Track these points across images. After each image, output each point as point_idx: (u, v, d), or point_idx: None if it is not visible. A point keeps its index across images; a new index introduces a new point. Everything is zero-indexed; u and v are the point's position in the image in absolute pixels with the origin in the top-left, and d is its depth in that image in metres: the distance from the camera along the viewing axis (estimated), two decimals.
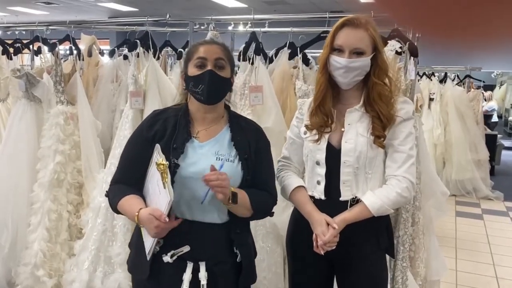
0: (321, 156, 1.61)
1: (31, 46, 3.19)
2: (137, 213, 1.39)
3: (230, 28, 3.05)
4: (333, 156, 1.59)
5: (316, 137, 1.61)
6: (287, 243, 1.80)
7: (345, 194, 1.59)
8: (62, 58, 2.86)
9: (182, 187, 1.43)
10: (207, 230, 1.48)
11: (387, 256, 1.76)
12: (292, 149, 1.74)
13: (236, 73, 2.62)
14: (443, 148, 5.98)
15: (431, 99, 6.05)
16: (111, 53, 2.97)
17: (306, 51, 2.56)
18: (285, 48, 2.56)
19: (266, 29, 2.82)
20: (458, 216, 5.10)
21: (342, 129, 1.60)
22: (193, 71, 1.49)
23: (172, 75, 3.00)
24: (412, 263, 2.12)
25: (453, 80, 6.52)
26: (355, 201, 1.58)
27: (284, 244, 1.88)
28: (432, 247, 2.25)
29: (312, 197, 1.64)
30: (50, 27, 3.15)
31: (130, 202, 1.45)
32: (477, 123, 6.26)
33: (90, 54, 2.93)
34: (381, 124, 1.56)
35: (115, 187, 1.54)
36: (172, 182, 1.39)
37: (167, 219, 1.33)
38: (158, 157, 1.40)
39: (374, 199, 1.55)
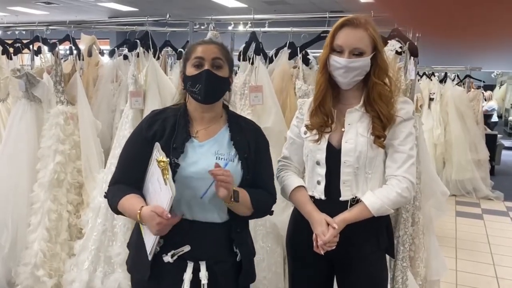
0: (321, 156, 1.61)
1: (31, 46, 3.19)
2: (139, 211, 1.39)
3: (230, 28, 3.05)
4: (333, 156, 1.59)
5: (316, 137, 1.61)
6: (287, 243, 1.80)
7: (345, 194, 1.59)
8: (62, 58, 2.86)
9: (182, 186, 1.43)
10: (207, 229, 1.48)
11: (387, 256, 1.77)
12: (292, 149, 1.74)
13: (236, 73, 2.62)
14: (443, 148, 5.98)
15: (431, 99, 6.05)
16: (111, 53, 2.97)
17: (308, 51, 2.57)
18: (285, 48, 2.56)
19: (266, 29, 2.82)
20: (458, 216, 5.10)
21: (342, 129, 1.60)
22: (190, 70, 1.49)
23: (172, 75, 3.00)
24: (412, 263, 2.12)
25: (453, 80, 6.52)
26: (355, 201, 1.58)
27: (284, 244, 1.88)
28: (432, 247, 2.26)
29: (312, 197, 1.64)
30: (50, 27, 3.15)
31: (130, 201, 1.45)
32: (477, 123, 6.26)
33: (90, 54, 2.92)
34: (381, 124, 1.56)
35: (114, 187, 1.54)
36: (173, 181, 1.39)
37: (169, 216, 1.33)
38: (158, 154, 1.40)
39: (374, 199, 1.55)
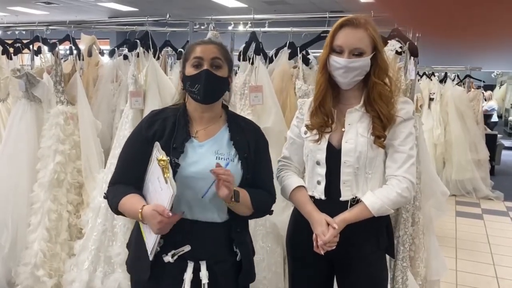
0: (322, 156, 1.61)
1: (31, 46, 3.19)
2: (140, 210, 1.39)
3: (230, 28, 3.05)
4: (333, 156, 1.59)
5: (317, 137, 1.61)
6: (287, 243, 1.80)
7: (345, 194, 1.59)
8: (62, 58, 2.86)
9: (183, 186, 1.43)
10: (207, 229, 1.49)
11: (387, 256, 1.77)
12: (293, 149, 1.74)
13: (236, 73, 2.62)
14: (443, 148, 5.98)
15: (431, 99, 6.05)
16: (111, 53, 2.97)
17: (310, 51, 2.56)
18: (285, 48, 2.56)
19: (266, 29, 2.82)
20: (458, 216, 5.10)
21: (343, 129, 1.60)
22: (190, 70, 1.50)
23: (172, 75, 3.00)
24: (412, 263, 2.12)
25: (453, 80, 6.52)
26: (355, 201, 1.59)
27: (284, 244, 1.88)
28: (432, 247, 2.26)
29: (312, 197, 1.64)
30: (50, 27, 3.15)
31: (131, 200, 1.46)
32: (477, 123, 6.26)
33: (90, 54, 2.92)
34: (381, 124, 1.56)
35: (114, 188, 1.54)
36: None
37: (170, 214, 1.34)
38: (158, 154, 1.41)
39: (374, 199, 1.55)
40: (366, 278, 1.64)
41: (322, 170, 1.61)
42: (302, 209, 1.65)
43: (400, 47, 2.06)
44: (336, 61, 1.55)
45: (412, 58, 2.14)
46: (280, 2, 9.02)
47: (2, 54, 3.34)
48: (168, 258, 1.45)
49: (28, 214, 2.63)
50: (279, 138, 2.28)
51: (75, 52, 2.87)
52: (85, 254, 2.43)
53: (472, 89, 6.81)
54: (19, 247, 2.63)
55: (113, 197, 1.50)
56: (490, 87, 10.79)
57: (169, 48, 3.45)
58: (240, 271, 1.54)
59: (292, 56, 2.51)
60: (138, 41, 2.64)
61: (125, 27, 3.55)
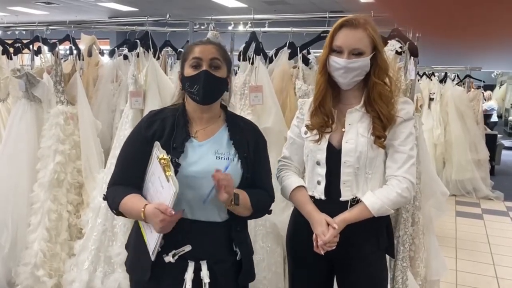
0: (322, 156, 1.61)
1: (31, 46, 3.19)
2: (142, 209, 1.39)
3: (230, 28, 3.05)
4: (333, 156, 1.59)
5: (317, 137, 1.61)
6: (287, 243, 1.80)
7: (345, 194, 1.59)
8: (62, 58, 2.86)
9: (183, 186, 1.43)
10: (208, 228, 1.49)
11: (387, 256, 1.76)
12: (293, 149, 1.74)
13: (236, 73, 2.62)
14: (443, 148, 5.98)
15: (431, 99, 6.05)
16: (111, 53, 2.97)
17: (311, 50, 2.56)
18: (285, 48, 2.56)
19: (266, 29, 2.82)
20: (458, 216, 5.10)
21: (343, 129, 1.60)
22: (188, 71, 1.50)
23: (172, 75, 3.00)
24: (412, 263, 2.12)
25: (453, 80, 6.52)
26: (355, 201, 1.59)
27: (284, 244, 1.88)
28: (432, 247, 2.26)
29: (312, 197, 1.64)
30: (50, 27, 3.15)
31: (132, 200, 1.46)
32: (477, 123, 6.26)
33: (90, 54, 2.93)
34: (382, 124, 1.56)
35: (113, 188, 1.53)
36: None
37: (172, 212, 1.34)
38: (158, 153, 1.41)
39: (374, 199, 1.55)
40: (366, 278, 1.64)
41: (322, 170, 1.61)
42: (302, 209, 1.65)
43: (400, 47, 2.06)
44: (336, 61, 1.55)
45: (412, 58, 2.14)
46: (280, 2, 9.02)
47: (2, 54, 3.34)
48: (169, 258, 1.45)
49: (28, 214, 2.63)
50: (279, 138, 2.28)
51: (75, 52, 2.87)
52: (85, 254, 2.43)
53: (472, 89, 6.80)
54: (19, 247, 2.63)
55: (113, 198, 1.50)
56: (490, 87, 10.79)
57: (169, 48, 3.45)
58: (239, 270, 1.54)
59: (292, 56, 2.51)
60: (138, 41, 2.64)
61: (125, 27, 3.55)
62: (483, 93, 7.37)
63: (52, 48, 2.88)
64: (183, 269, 1.46)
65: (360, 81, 1.60)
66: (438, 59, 6.32)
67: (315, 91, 1.66)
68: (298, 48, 2.49)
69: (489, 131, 7.14)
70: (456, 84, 6.49)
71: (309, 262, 1.68)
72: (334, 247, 1.55)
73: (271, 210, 1.63)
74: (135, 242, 1.56)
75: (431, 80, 6.32)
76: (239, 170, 1.50)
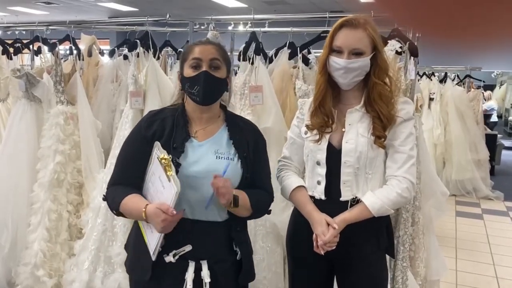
0: (322, 156, 1.61)
1: (31, 46, 3.19)
2: (144, 209, 1.39)
3: (230, 28, 3.04)
4: (333, 156, 1.59)
5: (317, 137, 1.61)
6: (287, 243, 1.80)
7: (346, 194, 1.59)
8: (62, 58, 2.86)
9: (184, 186, 1.43)
10: (208, 228, 1.49)
11: (387, 256, 1.76)
12: (293, 149, 1.74)
13: (236, 73, 2.62)
14: (443, 148, 5.98)
15: (431, 99, 6.05)
16: (111, 53, 2.97)
17: (312, 50, 2.56)
18: (285, 48, 2.56)
19: (266, 29, 2.82)
20: (458, 216, 5.10)
21: (343, 129, 1.60)
22: (188, 72, 1.49)
23: (172, 75, 3.00)
24: (412, 263, 2.12)
25: (453, 80, 6.52)
26: (356, 201, 1.59)
27: (284, 244, 1.88)
28: (432, 247, 2.26)
29: (312, 197, 1.64)
30: (50, 27, 3.15)
31: (133, 200, 1.46)
32: (477, 123, 6.26)
33: (90, 54, 2.93)
34: (382, 125, 1.56)
35: (113, 189, 1.53)
36: None
37: (174, 212, 1.34)
38: (159, 153, 1.41)
39: (374, 199, 1.55)
40: (366, 278, 1.64)
41: (322, 170, 1.61)
42: (302, 209, 1.65)
43: (400, 47, 2.06)
44: (336, 61, 1.55)
45: (412, 58, 2.14)
46: (280, 2, 9.02)
47: (2, 54, 3.34)
48: (169, 258, 1.45)
49: (28, 214, 2.63)
50: (279, 138, 2.28)
51: (75, 52, 2.88)
52: (85, 254, 2.43)
53: (472, 89, 6.80)
54: (19, 247, 2.63)
55: (113, 198, 1.50)
56: (490, 87, 10.79)
57: (169, 48, 3.45)
58: (239, 270, 1.54)
59: (292, 56, 2.51)
60: (138, 41, 2.64)
61: (125, 27, 3.55)
62: (483, 93, 7.37)
63: (52, 48, 2.88)
64: (183, 269, 1.46)
65: (360, 81, 1.60)
66: (438, 59, 6.31)
67: (315, 91, 1.66)
68: (298, 48, 2.49)
69: (489, 131, 7.14)
70: (456, 84, 6.49)
71: (309, 262, 1.68)
72: (334, 247, 1.55)
73: (271, 210, 1.64)
74: (135, 242, 1.56)
75: (431, 80, 6.32)
76: (239, 170, 1.51)
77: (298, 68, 2.46)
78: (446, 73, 6.54)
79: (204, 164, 1.46)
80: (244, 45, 2.52)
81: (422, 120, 2.67)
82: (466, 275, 3.58)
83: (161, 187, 1.40)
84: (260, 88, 2.33)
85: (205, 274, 1.46)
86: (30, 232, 2.58)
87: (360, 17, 1.56)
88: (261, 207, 1.57)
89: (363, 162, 1.57)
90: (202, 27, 2.91)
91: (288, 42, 2.57)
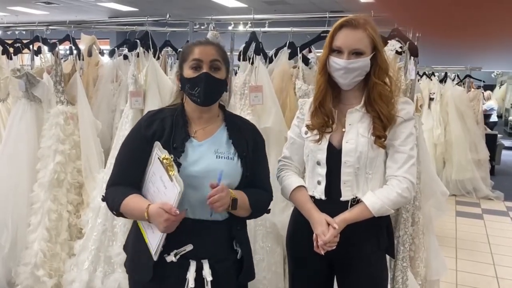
0: (322, 156, 1.61)
1: (31, 46, 3.19)
2: (146, 209, 1.39)
3: (230, 28, 3.05)
4: (333, 156, 1.59)
5: (317, 137, 1.61)
6: (287, 243, 1.80)
7: (346, 194, 1.59)
8: (62, 58, 2.86)
9: (184, 186, 1.43)
10: (209, 228, 1.49)
11: (387, 256, 1.76)
12: (293, 148, 1.74)
13: (236, 73, 2.62)
14: (443, 148, 5.98)
15: (431, 99, 6.05)
16: (111, 53, 2.97)
17: (314, 50, 2.56)
18: (285, 48, 2.56)
19: (266, 29, 2.82)
20: (458, 216, 5.10)
21: (343, 129, 1.60)
22: (188, 73, 1.49)
23: (172, 75, 3.00)
24: (412, 263, 2.12)
25: (453, 80, 6.52)
26: (356, 201, 1.59)
27: (284, 244, 1.88)
28: (432, 247, 2.26)
29: (312, 197, 1.64)
30: (50, 27, 3.15)
31: (134, 200, 1.46)
32: (477, 123, 6.26)
33: (90, 54, 2.93)
34: (382, 125, 1.56)
35: (112, 189, 1.53)
36: None
37: (177, 212, 1.34)
38: (159, 153, 1.41)
39: (375, 199, 1.55)
40: (366, 278, 1.64)
41: (322, 170, 1.61)
42: (302, 209, 1.65)
43: (400, 47, 2.06)
44: (336, 62, 1.55)
45: (412, 58, 2.14)
46: (280, 2, 9.02)
47: (2, 54, 3.34)
48: (171, 258, 1.45)
49: (28, 214, 2.63)
50: (279, 138, 2.28)
51: (75, 52, 2.88)
52: (85, 254, 2.43)
53: (472, 89, 6.80)
54: (19, 247, 2.63)
55: (113, 199, 1.49)
56: (490, 87, 10.79)
57: (169, 48, 3.45)
58: (240, 269, 1.54)
59: (292, 56, 2.51)
60: (138, 41, 2.64)
61: (125, 27, 3.55)
62: (483, 93, 7.36)
63: (52, 48, 2.88)
64: (184, 268, 1.46)
65: (360, 81, 1.60)
66: (438, 59, 6.31)
67: (315, 91, 1.66)
68: (298, 48, 2.49)
69: (489, 131, 7.14)
70: (456, 84, 6.49)
71: (309, 262, 1.68)
72: (334, 247, 1.55)
73: (270, 209, 1.64)
74: (134, 242, 1.56)
75: (431, 80, 6.32)
76: (239, 169, 1.51)
77: (298, 68, 2.45)
78: (446, 73, 6.54)
79: (204, 163, 1.47)
80: (244, 45, 2.52)
81: (422, 120, 2.67)
82: (466, 275, 3.58)
83: (163, 187, 1.40)
84: (260, 88, 2.33)
85: (207, 272, 1.46)
86: (30, 232, 2.58)
87: (360, 17, 1.56)
88: (260, 206, 1.58)
89: (363, 162, 1.57)
90: (202, 27, 2.91)
91: (288, 42, 2.57)
